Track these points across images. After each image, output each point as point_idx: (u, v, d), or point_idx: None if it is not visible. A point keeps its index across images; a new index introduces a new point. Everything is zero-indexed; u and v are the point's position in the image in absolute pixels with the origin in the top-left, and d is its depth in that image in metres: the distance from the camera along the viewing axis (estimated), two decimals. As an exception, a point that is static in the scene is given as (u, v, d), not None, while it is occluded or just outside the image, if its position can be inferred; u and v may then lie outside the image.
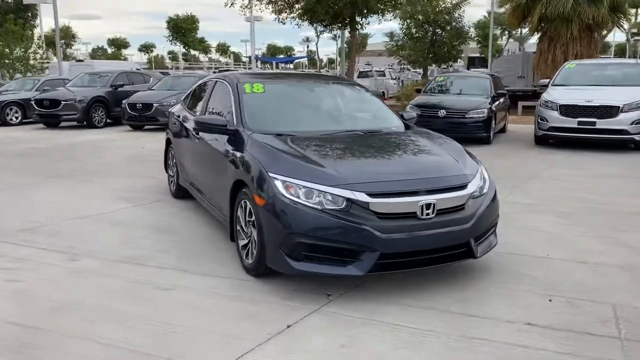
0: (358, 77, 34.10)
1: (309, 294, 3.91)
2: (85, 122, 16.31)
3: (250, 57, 39.51)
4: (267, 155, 4.19)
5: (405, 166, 4.18)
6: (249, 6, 13.08)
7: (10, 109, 17.84)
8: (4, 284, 4.14)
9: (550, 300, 3.89)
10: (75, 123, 16.48)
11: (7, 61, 25.18)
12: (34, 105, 16.71)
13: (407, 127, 5.32)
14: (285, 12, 13.37)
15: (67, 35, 61.90)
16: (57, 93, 17.01)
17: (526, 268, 4.50)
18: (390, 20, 16.61)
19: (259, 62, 49.59)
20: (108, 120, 16.91)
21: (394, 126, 5.21)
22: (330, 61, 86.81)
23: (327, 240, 3.71)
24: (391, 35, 32.58)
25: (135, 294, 3.96)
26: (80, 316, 3.58)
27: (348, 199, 3.71)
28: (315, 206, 3.71)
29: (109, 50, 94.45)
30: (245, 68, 50.54)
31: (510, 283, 4.19)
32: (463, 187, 4.05)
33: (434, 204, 3.83)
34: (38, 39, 27.88)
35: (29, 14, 35.24)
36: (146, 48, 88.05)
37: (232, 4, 13.56)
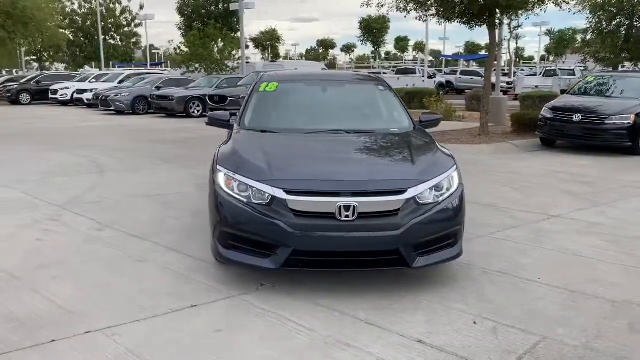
0: (543, 75, 31.61)
1: (244, 282, 4.14)
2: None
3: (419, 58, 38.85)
4: (226, 149, 4.50)
5: (346, 167, 4.13)
6: (390, 5, 13.10)
7: (193, 103, 20.42)
8: (29, 241, 5.11)
9: (474, 323, 3.56)
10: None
11: (206, 62, 28.81)
12: (207, 100, 19.14)
13: (417, 128, 5.14)
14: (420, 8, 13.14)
15: (273, 37, 68.07)
16: (226, 90, 19.24)
17: (490, 289, 4.11)
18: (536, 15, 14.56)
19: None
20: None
21: (395, 128, 5.07)
22: (530, 58, 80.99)
23: (246, 232, 3.91)
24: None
25: (114, 262, 4.59)
26: (53, 274, 4.32)
27: (271, 195, 3.86)
28: (243, 199, 3.92)
29: (320, 51, 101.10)
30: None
31: (450, 300, 3.89)
32: (399, 192, 3.88)
33: (354, 207, 3.76)
34: (231, 42, 31.14)
35: (235, 19, 39.56)
36: (347, 48, 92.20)
37: (367, 4, 13.75)
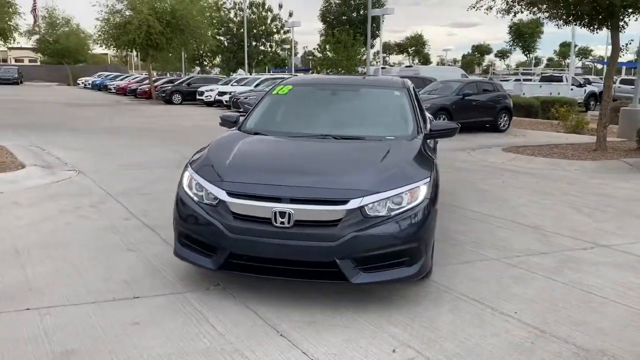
0: None
1: (203, 281, 4.20)
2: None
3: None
4: (202, 149, 4.59)
5: (295, 173, 3.96)
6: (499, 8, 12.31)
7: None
8: (58, 223, 5.64)
9: (394, 351, 3.24)
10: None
11: (336, 67, 29.46)
12: None
13: (422, 137, 4.80)
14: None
15: (418, 43, 67.15)
16: None
17: (445, 317, 3.71)
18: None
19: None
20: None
21: (391, 135, 4.76)
22: None
23: (194, 231, 3.96)
24: None
25: (107, 249, 4.88)
26: (49, 254, 4.74)
27: (217, 197, 3.87)
28: (197, 199, 3.98)
29: (475, 56, 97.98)
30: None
31: (392, 323, 3.58)
32: (340, 202, 3.66)
33: (289, 214, 3.63)
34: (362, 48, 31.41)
35: (374, 25, 39.83)
36: (502, 54, 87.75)
37: (475, 7, 12.99)
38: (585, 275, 4.54)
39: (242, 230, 3.71)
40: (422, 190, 3.89)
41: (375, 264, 3.71)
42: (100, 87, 44.13)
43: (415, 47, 65.95)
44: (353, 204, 3.65)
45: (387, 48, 74.51)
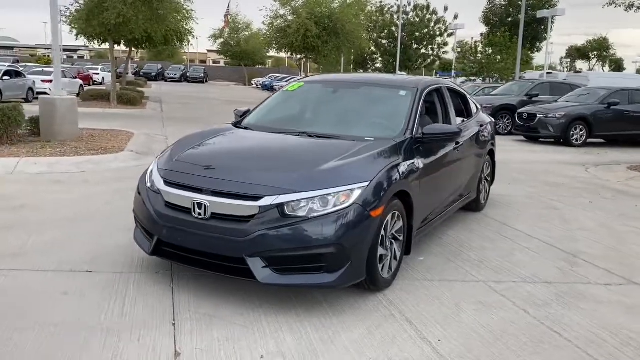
0: None
1: (160, 265, 4.37)
2: (562, 140, 14.78)
3: None
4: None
5: (234, 168, 3.90)
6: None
7: (502, 116, 17.29)
8: (99, 202, 6.24)
9: (262, 357, 3.07)
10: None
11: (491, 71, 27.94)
12: (516, 119, 15.87)
13: (408, 140, 4.46)
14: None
15: (602, 47, 60.28)
16: (538, 107, 15.54)
17: (353, 334, 3.40)
18: None
19: None
20: (589, 140, 14.76)
21: (373, 136, 4.43)
22: None
23: (138, 215, 4.18)
24: None
25: (112, 229, 5.23)
26: (63, 226, 5.29)
27: (157, 185, 4.02)
28: (148, 185, 4.15)
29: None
30: None
31: (291, 330, 3.38)
32: (254, 198, 3.55)
33: (205, 205, 3.63)
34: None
35: (542, 27, 36.93)
36: None
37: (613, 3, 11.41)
38: (572, 313, 3.81)
39: (169, 219, 3.80)
40: (355, 194, 3.61)
41: (288, 265, 3.55)
42: (269, 88, 47.33)
43: (597, 50, 59.46)
44: (267, 201, 3.53)
45: (571, 52, 68.07)
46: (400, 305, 3.81)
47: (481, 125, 6.30)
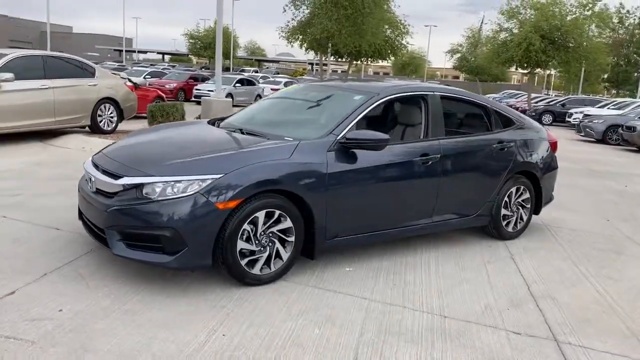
0: None
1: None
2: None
3: None
4: None
5: (141, 151, 4.40)
6: None
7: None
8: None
9: (60, 310, 3.47)
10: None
11: None
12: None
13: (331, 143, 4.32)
14: None
15: None
16: None
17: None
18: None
19: None
20: None
21: (295, 137, 4.34)
22: None
23: None
24: None
25: None
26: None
27: None
28: None
29: None
30: None
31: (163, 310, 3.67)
32: (117, 177, 3.98)
33: (93, 180, 4.16)
34: None
35: None
36: None
37: None
38: None
39: (82, 190, 4.44)
40: (204, 184, 3.76)
41: (137, 242, 3.88)
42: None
43: None
44: (125, 180, 3.91)
45: None
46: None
47: (500, 142, 5.50)
